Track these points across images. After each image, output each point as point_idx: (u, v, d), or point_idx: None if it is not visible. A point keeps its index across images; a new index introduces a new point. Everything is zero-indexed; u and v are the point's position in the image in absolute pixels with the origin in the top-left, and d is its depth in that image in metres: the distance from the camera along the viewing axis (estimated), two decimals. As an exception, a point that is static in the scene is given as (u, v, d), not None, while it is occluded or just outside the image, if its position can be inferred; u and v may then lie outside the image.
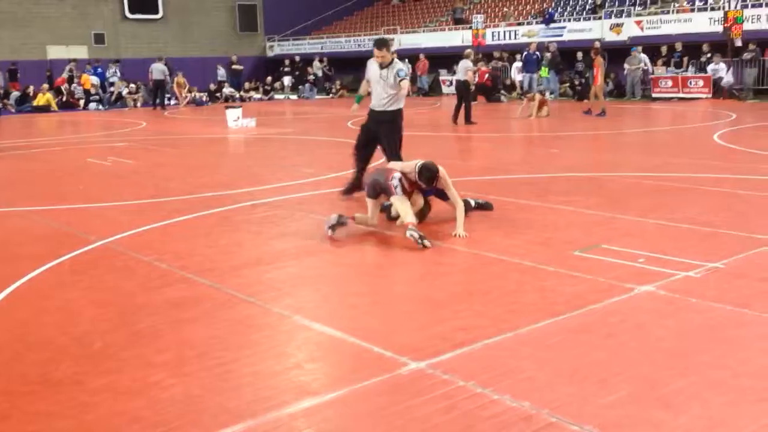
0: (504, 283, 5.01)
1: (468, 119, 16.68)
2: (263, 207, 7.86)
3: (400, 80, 7.68)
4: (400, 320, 4.38)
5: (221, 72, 30.41)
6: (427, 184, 6.46)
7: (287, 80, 31.72)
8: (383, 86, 7.80)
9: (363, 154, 8.11)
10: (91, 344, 4.12)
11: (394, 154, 7.79)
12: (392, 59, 7.83)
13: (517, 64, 24.52)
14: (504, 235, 6.32)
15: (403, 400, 3.31)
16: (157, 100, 25.45)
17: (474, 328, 4.14)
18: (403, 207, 6.32)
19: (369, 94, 8.11)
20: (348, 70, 31.34)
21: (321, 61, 32.06)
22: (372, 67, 7.93)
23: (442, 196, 6.69)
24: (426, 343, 3.92)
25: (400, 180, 6.40)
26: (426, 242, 5.96)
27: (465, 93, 16.92)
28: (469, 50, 17.90)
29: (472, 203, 7.10)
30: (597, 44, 23.33)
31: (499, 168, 10.19)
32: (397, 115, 7.95)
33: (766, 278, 4.91)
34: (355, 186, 7.96)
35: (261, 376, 3.65)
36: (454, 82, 18.59)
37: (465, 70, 16.91)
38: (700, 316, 4.27)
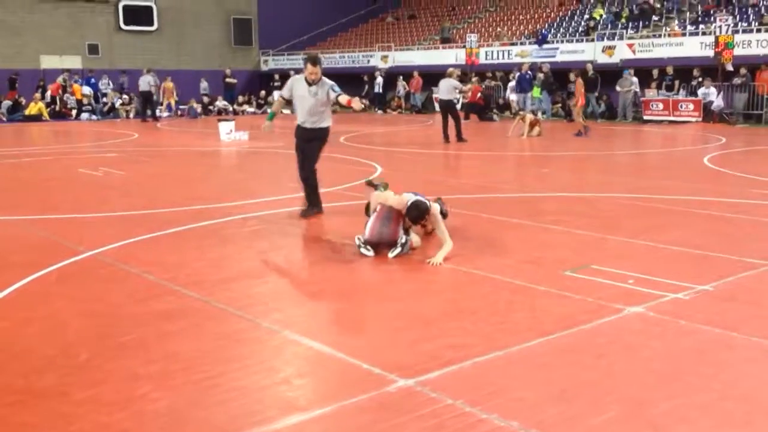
0: (494, 302, 5.00)
1: (459, 137, 16.65)
2: (254, 221, 7.83)
3: (338, 96, 7.65)
4: (389, 337, 4.36)
5: (204, 85, 30.06)
6: (413, 222, 6.38)
7: (277, 94, 31.71)
8: (314, 104, 7.75)
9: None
10: (77, 355, 4.08)
11: (312, 165, 7.96)
12: (320, 76, 7.75)
13: (512, 84, 24.66)
14: (494, 254, 6.32)
15: (391, 417, 3.28)
16: (148, 112, 25.40)
17: (463, 346, 4.12)
18: (404, 249, 6.25)
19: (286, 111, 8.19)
20: (341, 85, 31.33)
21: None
22: (299, 84, 7.82)
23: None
24: (415, 361, 3.91)
25: (403, 229, 6.35)
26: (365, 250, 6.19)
27: (452, 111, 16.88)
28: (451, 69, 17.80)
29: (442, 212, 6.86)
30: (589, 66, 23.59)
31: (490, 187, 10.21)
32: (328, 132, 8.06)
33: (754, 301, 4.93)
34: (311, 205, 8.01)
35: (248, 391, 3.61)
36: (438, 102, 18.44)
37: (451, 88, 16.86)
38: (688, 339, 4.28)
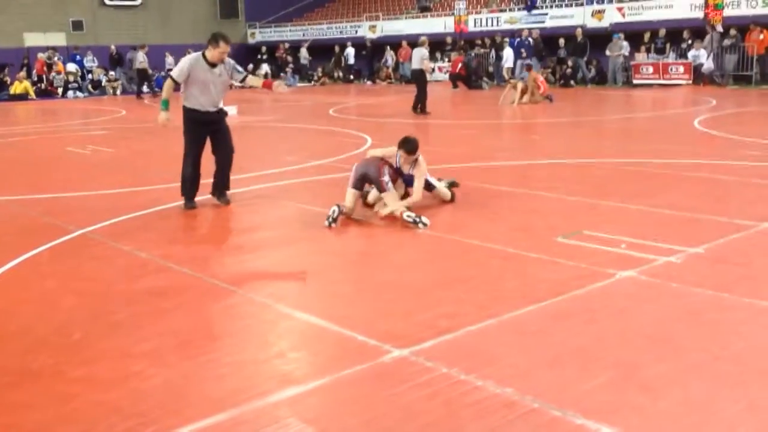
0: (486, 270, 5.01)
1: (423, 109, 16.04)
2: (245, 195, 7.80)
3: (244, 76, 7.23)
4: (383, 308, 4.37)
5: (169, 60, 28.79)
6: (409, 153, 6.53)
7: (265, 67, 31.35)
8: (220, 85, 7.13)
9: (198, 157, 7.24)
10: (71, 334, 4.08)
11: (232, 147, 7.33)
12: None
13: (508, 51, 24.24)
14: (486, 222, 6.32)
15: (387, 387, 3.30)
16: (144, 89, 24.95)
17: (457, 315, 4.13)
18: (395, 203, 6.41)
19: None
20: (329, 56, 31.18)
21: (309, 48, 31.78)
22: (199, 65, 6.95)
23: (411, 184, 6.71)
24: (409, 331, 3.92)
25: (390, 175, 6.49)
26: (423, 220, 6.10)
27: (421, 82, 16.18)
28: (423, 38, 17.09)
29: (448, 193, 7.03)
30: (578, 31, 23.47)
31: (480, 155, 10.19)
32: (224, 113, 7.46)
33: (745, 263, 4.95)
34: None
35: (243, 365, 3.62)
36: (409, 72, 17.73)
37: (420, 59, 16.14)
38: (680, 301, 4.30)
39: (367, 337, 3.86)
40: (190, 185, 7.17)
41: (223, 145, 7.27)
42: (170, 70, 28.33)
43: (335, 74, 31.02)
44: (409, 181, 6.80)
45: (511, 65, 23.69)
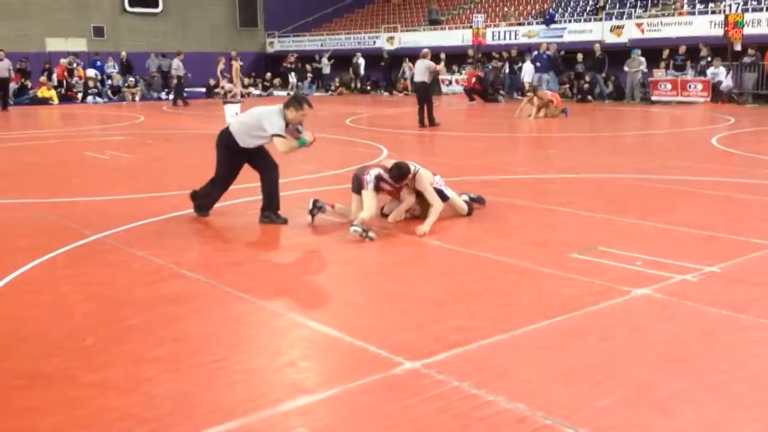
0: (500, 284, 4.99)
1: (432, 121, 15.86)
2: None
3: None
4: (396, 320, 4.36)
5: (176, 63, 29.09)
6: (395, 181, 6.55)
7: (293, 78, 31.14)
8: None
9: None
10: (84, 339, 4.09)
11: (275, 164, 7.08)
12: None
13: (528, 65, 24.20)
14: (501, 236, 6.30)
15: (398, 399, 3.29)
16: (181, 96, 24.48)
17: (470, 328, 4.12)
18: (368, 201, 6.43)
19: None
20: (347, 67, 31.29)
21: (330, 58, 31.80)
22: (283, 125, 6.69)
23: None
24: (421, 343, 3.91)
25: (376, 177, 6.53)
26: (370, 234, 6.11)
27: (425, 93, 16.05)
28: (426, 50, 16.82)
29: (464, 207, 7.02)
30: (597, 46, 23.42)
31: (496, 168, 10.17)
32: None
33: (762, 283, 4.90)
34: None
35: (255, 374, 3.63)
36: (411, 84, 17.39)
37: (425, 70, 15.91)
38: (696, 320, 4.26)
39: (379, 348, 3.85)
40: (211, 206, 7.19)
41: (270, 164, 7.01)
42: (180, 76, 28.25)
43: (352, 85, 31.10)
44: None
45: (530, 79, 23.64)
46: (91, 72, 27.55)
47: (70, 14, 30.72)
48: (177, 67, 24.33)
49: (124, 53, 29.10)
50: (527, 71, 23.83)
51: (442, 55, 21.49)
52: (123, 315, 4.46)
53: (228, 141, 6.93)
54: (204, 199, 7.18)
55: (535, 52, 23.76)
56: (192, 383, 3.50)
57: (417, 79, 16.24)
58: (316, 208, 6.79)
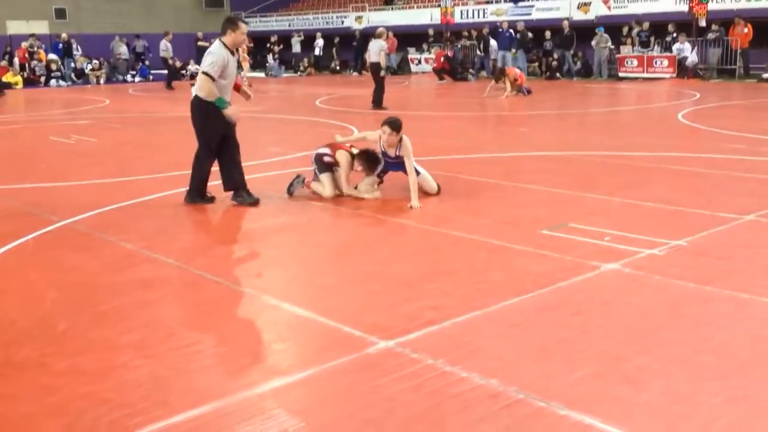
0: (472, 262, 5.03)
1: (379, 103, 15.35)
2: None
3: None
4: (369, 299, 4.39)
5: (123, 49, 28.15)
6: (393, 129, 6.63)
7: (271, 59, 30.73)
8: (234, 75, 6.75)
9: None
10: (55, 326, 4.06)
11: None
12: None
13: (493, 43, 24.30)
14: (472, 214, 6.34)
15: (372, 378, 3.31)
16: (172, 78, 23.73)
17: (442, 306, 4.15)
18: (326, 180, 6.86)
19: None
20: (310, 47, 31.03)
21: (299, 35, 31.43)
22: (227, 55, 6.52)
23: (398, 168, 6.87)
24: (395, 322, 3.93)
25: (331, 151, 6.91)
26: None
27: (377, 75, 15.57)
28: (381, 29, 16.27)
29: (434, 184, 7.06)
30: (565, 23, 23.53)
31: (467, 147, 10.21)
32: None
33: (727, 256, 5.00)
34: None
35: (229, 357, 3.63)
36: (368, 65, 16.39)
37: (378, 51, 15.51)
38: (663, 294, 4.34)
39: (353, 328, 3.88)
40: (205, 183, 6.89)
41: (235, 139, 6.83)
42: (125, 58, 27.85)
43: (322, 65, 30.86)
44: (395, 166, 6.83)
45: (495, 57, 23.72)
46: (52, 55, 26.99)
47: (31, -4, 30.05)
48: (165, 48, 23.18)
49: (65, 34, 28.03)
50: (494, 49, 23.92)
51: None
52: (94, 301, 4.42)
53: (199, 105, 6.59)
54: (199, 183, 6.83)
55: (499, 30, 23.80)
56: (165, 368, 3.49)
57: (372, 59, 15.76)
58: (297, 181, 7.04)
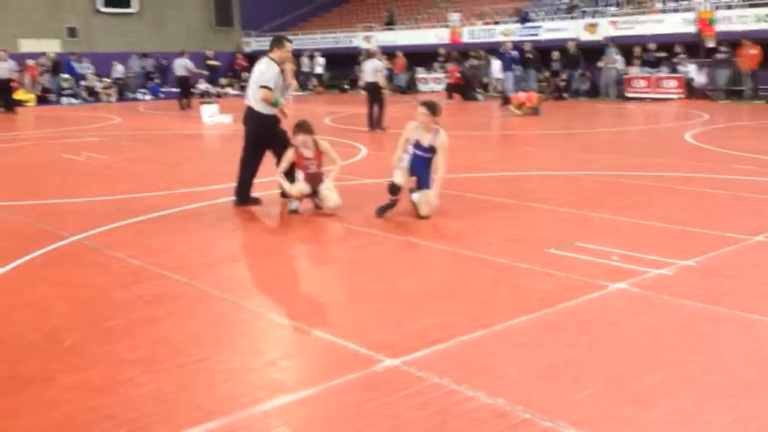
0: (479, 281, 5.03)
1: (379, 124, 15.07)
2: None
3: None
4: (375, 317, 4.38)
5: (119, 68, 28.34)
6: (432, 113, 6.58)
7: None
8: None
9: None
10: (62, 341, 4.07)
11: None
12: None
13: (495, 63, 24.45)
14: (479, 232, 6.34)
15: (378, 397, 3.30)
16: (183, 100, 23.19)
17: (449, 325, 4.15)
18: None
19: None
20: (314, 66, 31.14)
21: (312, 57, 31.32)
22: (277, 69, 7.34)
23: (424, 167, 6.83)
24: (401, 340, 3.93)
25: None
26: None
27: (376, 95, 15.17)
28: (375, 48, 16.08)
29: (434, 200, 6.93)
30: (571, 44, 23.61)
31: (474, 166, 10.22)
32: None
33: (735, 276, 4.98)
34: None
35: (235, 374, 3.62)
36: (364, 85, 16.07)
37: (374, 71, 15.21)
38: (671, 314, 4.32)
39: (359, 346, 3.87)
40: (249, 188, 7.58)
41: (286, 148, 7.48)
42: (120, 78, 28.07)
43: (327, 83, 30.98)
44: (422, 159, 6.73)
45: (499, 76, 23.78)
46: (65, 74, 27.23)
47: (43, 15, 30.35)
48: (184, 65, 22.71)
49: (52, 53, 28.10)
50: (495, 69, 24.07)
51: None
52: (102, 317, 4.44)
53: (256, 116, 7.32)
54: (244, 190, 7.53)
55: (502, 51, 23.85)
56: (172, 384, 3.49)
57: (367, 79, 15.42)
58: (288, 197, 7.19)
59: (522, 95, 18.61)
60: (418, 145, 6.72)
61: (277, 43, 7.43)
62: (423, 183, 6.79)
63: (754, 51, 20.76)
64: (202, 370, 3.65)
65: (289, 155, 7.10)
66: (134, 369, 3.65)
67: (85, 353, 3.89)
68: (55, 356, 3.86)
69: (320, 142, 7.13)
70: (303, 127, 7.08)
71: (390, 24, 31.54)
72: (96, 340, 4.06)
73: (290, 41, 7.62)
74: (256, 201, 7.60)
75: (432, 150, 6.68)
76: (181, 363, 3.72)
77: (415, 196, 6.73)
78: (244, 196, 7.53)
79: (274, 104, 7.26)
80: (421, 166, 6.78)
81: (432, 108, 6.59)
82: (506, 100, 18.77)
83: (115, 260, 5.67)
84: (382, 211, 6.76)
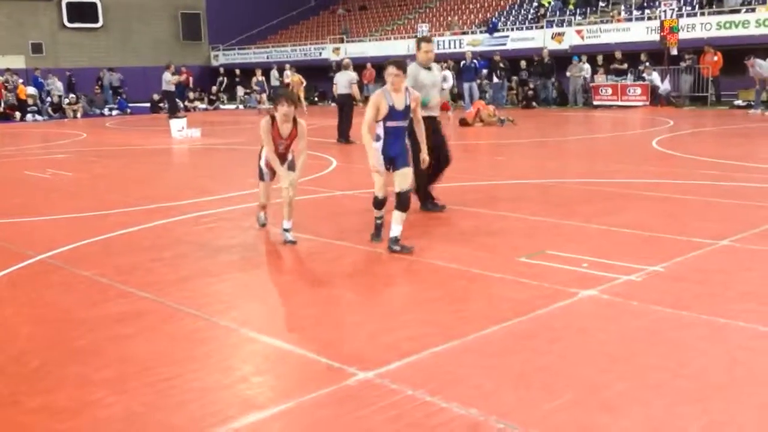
0: (451, 291, 5.03)
1: (346, 137, 15.08)
2: (208, 218, 7.74)
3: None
4: (348, 331, 4.36)
5: (59, 84, 27.96)
6: (399, 68, 6.07)
7: (241, 91, 30.71)
8: (435, 87, 7.71)
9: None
10: (28, 363, 3.98)
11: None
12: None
13: (447, 73, 24.46)
14: (451, 242, 6.35)
15: (351, 410, 3.28)
16: (170, 111, 22.98)
17: (421, 336, 4.14)
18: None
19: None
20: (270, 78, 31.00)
21: (281, 70, 30.98)
22: (419, 70, 7.54)
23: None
24: (374, 353, 3.91)
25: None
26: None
27: (348, 107, 15.33)
28: (347, 60, 16.29)
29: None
30: (545, 52, 23.84)
31: (445, 176, 10.24)
32: None
33: (703, 280, 5.04)
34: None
35: (206, 391, 3.57)
36: (336, 97, 16.11)
37: (349, 83, 15.32)
38: (641, 320, 4.36)
39: (332, 360, 3.84)
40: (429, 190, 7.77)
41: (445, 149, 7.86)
42: (59, 94, 27.70)
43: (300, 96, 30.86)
44: (401, 120, 6.14)
45: (448, 87, 23.84)
46: (31, 89, 26.88)
47: (6, 31, 30.01)
48: (169, 80, 22.63)
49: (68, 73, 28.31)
50: (448, 78, 24.19)
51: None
52: (69, 336, 4.36)
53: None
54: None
55: (462, 62, 23.99)
56: (140, 404, 3.43)
57: (341, 91, 15.48)
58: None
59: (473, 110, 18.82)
60: (392, 113, 6.05)
61: (416, 45, 7.73)
62: (400, 163, 6.21)
63: (716, 57, 21.16)
64: (172, 388, 3.60)
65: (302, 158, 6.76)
66: (102, 389, 3.59)
67: (52, 375, 3.81)
68: (20, 379, 3.77)
69: (300, 122, 6.61)
70: (290, 97, 6.64)
71: (346, 33, 31.72)
72: (63, 361, 3.98)
73: (431, 41, 7.80)
74: (441, 207, 7.71)
75: (407, 111, 6.14)
76: (150, 382, 3.66)
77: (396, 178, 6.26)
78: (426, 201, 7.76)
79: (423, 101, 6.88)
80: (396, 145, 6.16)
81: (403, 66, 6.16)
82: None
83: (83, 279, 5.58)
84: (377, 235, 6.44)
